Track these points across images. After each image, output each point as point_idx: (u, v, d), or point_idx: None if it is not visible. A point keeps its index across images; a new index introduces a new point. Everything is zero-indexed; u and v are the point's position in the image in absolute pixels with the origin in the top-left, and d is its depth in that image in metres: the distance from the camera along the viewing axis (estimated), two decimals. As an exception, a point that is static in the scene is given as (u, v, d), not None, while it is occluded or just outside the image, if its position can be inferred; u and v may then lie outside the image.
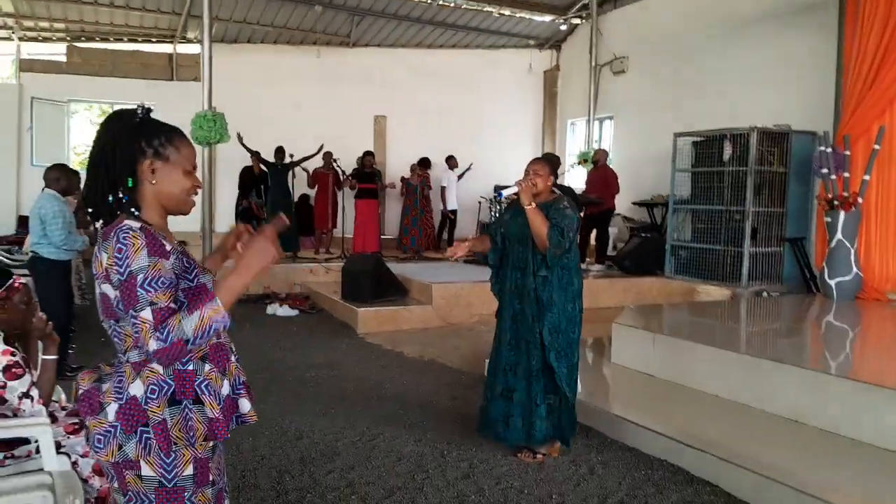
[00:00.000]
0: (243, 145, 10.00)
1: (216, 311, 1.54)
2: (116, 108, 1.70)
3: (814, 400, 3.87)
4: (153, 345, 1.50)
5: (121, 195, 1.62)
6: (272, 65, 12.49)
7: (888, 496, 3.07)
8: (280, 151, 10.25)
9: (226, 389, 1.70)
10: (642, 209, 10.52)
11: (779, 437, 3.74)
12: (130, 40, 12.71)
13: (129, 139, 1.63)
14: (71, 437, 2.70)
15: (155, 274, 1.53)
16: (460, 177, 12.00)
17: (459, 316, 7.51)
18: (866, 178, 6.77)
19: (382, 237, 11.12)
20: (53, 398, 2.89)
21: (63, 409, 2.96)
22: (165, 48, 12.75)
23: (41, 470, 2.43)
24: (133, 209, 1.62)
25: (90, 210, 1.65)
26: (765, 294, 7.49)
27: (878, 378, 3.84)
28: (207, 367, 1.66)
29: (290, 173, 9.99)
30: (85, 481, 2.58)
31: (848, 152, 6.85)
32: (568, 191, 3.98)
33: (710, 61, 9.73)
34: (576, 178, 11.50)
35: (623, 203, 10.28)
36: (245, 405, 1.75)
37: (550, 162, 3.84)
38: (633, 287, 8.58)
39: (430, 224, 11.70)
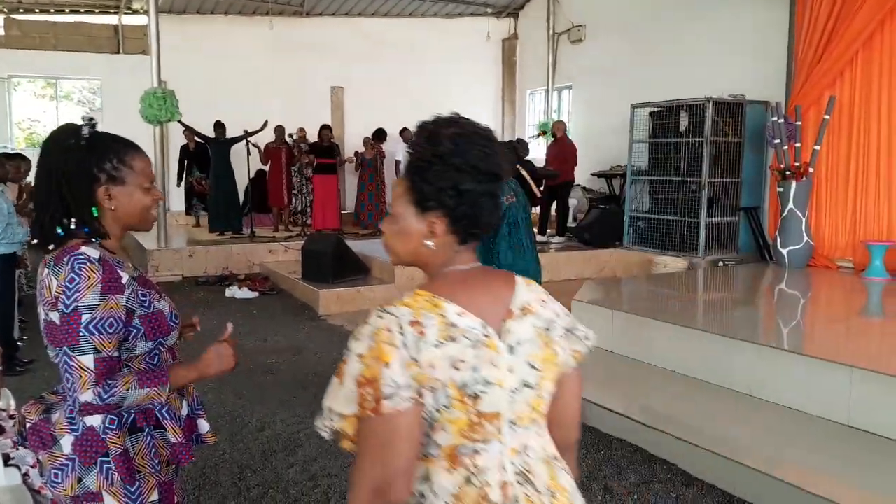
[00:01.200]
0: (185, 126, 9.75)
1: (160, 395, 1.54)
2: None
3: (767, 375, 3.98)
4: (87, 396, 1.45)
5: (77, 226, 1.54)
6: (223, 36, 12.08)
7: (840, 469, 3.19)
8: (220, 126, 10.00)
9: (185, 410, 1.68)
10: (601, 180, 10.59)
11: (734, 413, 3.84)
12: (72, 11, 12.14)
13: (80, 167, 1.54)
14: (20, 447, 2.63)
15: (104, 315, 1.47)
16: None
17: (422, 293, 7.50)
18: (817, 147, 6.91)
19: (342, 213, 11.00)
20: (2, 406, 2.80)
21: (11, 418, 2.86)
22: (110, 19, 12.22)
23: (-11, 485, 2.36)
24: (94, 238, 1.55)
25: (40, 235, 1.56)
26: (721, 263, 7.64)
27: (826, 352, 3.96)
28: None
29: (246, 149, 9.75)
30: (37, 492, 2.52)
31: (799, 122, 6.97)
32: (528, 165, 3.95)
33: (667, 31, 9.74)
34: (535, 150, 11.48)
35: (582, 174, 10.32)
36: (204, 425, 1.74)
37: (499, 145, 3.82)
38: (592, 259, 8.67)
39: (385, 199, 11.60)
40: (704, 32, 9.10)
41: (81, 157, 1.55)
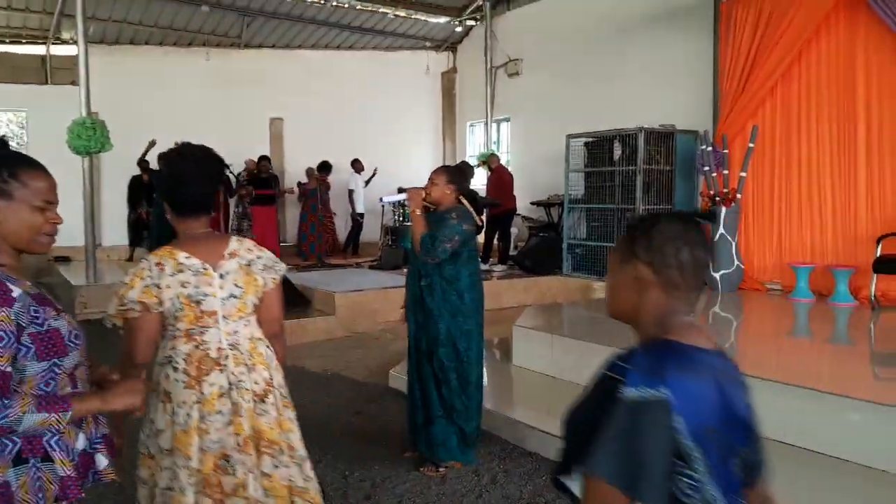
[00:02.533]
0: (146, 151, 9.55)
1: (59, 422, 1.46)
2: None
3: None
4: None
5: None
6: (158, 67, 11.87)
7: (774, 486, 3.23)
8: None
9: (81, 443, 1.57)
10: (541, 209, 10.75)
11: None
12: (-3, 41, 11.75)
13: None
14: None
15: None
16: (367, 182, 11.85)
17: (364, 324, 7.40)
18: (743, 174, 7.19)
19: (282, 244, 10.82)
20: None
21: None
22: (38, 50, 11.85)
23: None
24: None
25: None
26: (657, 288, 7.79)
27: (761, 369, 4.06)
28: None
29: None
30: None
31: (726, 150, 7.25)
32: (471, 194, 3.97)
33: (600, 64, 10.06)
34: (477, 181, 11.60)
35: (522, 203, 10.46)
36: (101, 461, 1.62)
37: (448, 171, 3.85)
38: (533, 286, 8.74)
39: (331, 229, 11.48)
40: (635, 65, 9.44)
41: None
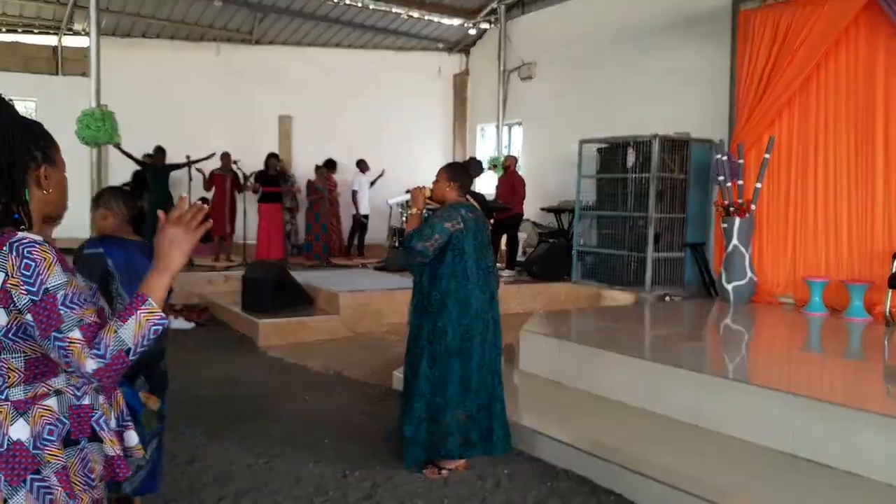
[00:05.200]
0: (126, 153, 9.34)
1: (152, 313, 1.37)
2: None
3: (713, 405, 3.93)
4: (91, 364, 1.30)
5: (11, 212, 1.39)
6: (168, 61, 11.81)
7: (785, 499, 3.13)
8: (160, 150, 9.69)
9: (113, 423, 1.53)
10: (550, 215, 10.65)
11: (681, 443, 3.76)
12: (9, 31, 11.73)
13: (23, 144, 1.41)
14: None
15: (75, 290, 1.35)
16: (373, 183, 11.79)
17: (368, 325, 7.30)
18: (758, 185, 7.07)
19: (294, 246, 10.76)
20: None
21: None
22: (49, 40, 11.83)
23: None
24: (23, 226, 1.40)
25: None
26: (667, 298, 7.69)
27: (769, 381, 3.95)
28: (101, 399, 1.50)
29: (188, 175, 9.47)
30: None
31: (742, 161, 7.14)
32: (479, 197, 3.90)
33: (615, 69, 9.97)
34: (486, 183, 11.52)
35: (532, 208, 10.36)
36: (132, 438, 1.58)
37: (450, 168, 3.80)
38: (541, 292, 8.63)
39: (336, 229, 11.41)
40: (650, 72, 9.33)
41: (23, 135, 1.42)
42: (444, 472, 3.61)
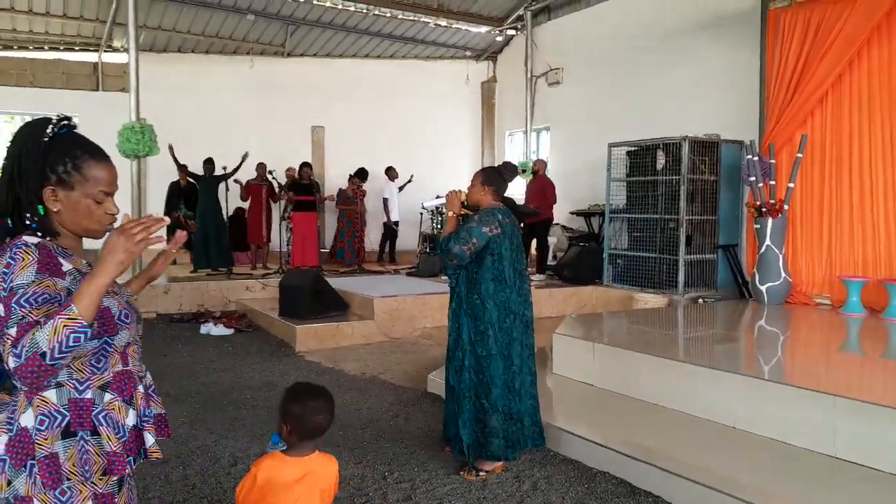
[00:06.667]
0: (174, 157, 9.66)
1: (72, 320, 1.36)
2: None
3: (750, 407, 3.93)
4: (10, 362, 1.37)
5: (27, 221, 1.51)
6: (204, 75, 12.15)
7: (823, 501, 3.13)
8: (209, 163, 9.96)
9: (131, 420, 1.58)
10: (580, 218, 10.66)
11: (719, 446, 3.78)
12: (51, 48, 12.14)
13: (34, 164, 1.51)
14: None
15: (36, 291, 1.42)
16: (401, 188, 11.92)
17: (402, 330, 7.40)
18: (791, 185, 7.01)
19: (322, 251, 10.93)
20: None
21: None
22: (90, 57, 12.22)
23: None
24: (42, 234, 1.51)
25: None
26: (700, 301, 7.66)
27: (808, 382, 3.93)
28: (108, 396, 1.55)
29: (225, 185, 9.72)
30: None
31: (773, 161, 7.09)
32: (508, 202, 3.97)
33: (643, 72, 9.96)
34: (515, 188, 11.57)
35: (561, 213, 10.39)
36: (149, 439, 1.63)
37: (485, 172, 3.87)
38: (572, 296, 8.65)
39: (361, 238, 11.57)
40: (679, 73, 9.32)
41: (37, 155, 1.52)
42: (481, 474, 3.67)
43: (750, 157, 7.19)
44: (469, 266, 3.62)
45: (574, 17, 11.55)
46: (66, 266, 1.50)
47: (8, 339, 1.38)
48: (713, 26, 8.85)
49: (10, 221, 1.51)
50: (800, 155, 6.96)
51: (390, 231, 11.93)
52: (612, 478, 3.62)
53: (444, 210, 3.78)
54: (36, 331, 1.36)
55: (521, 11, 11.99)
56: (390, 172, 11.82)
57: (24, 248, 1.46)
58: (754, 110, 7.87)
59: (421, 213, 11.53)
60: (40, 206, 1.52)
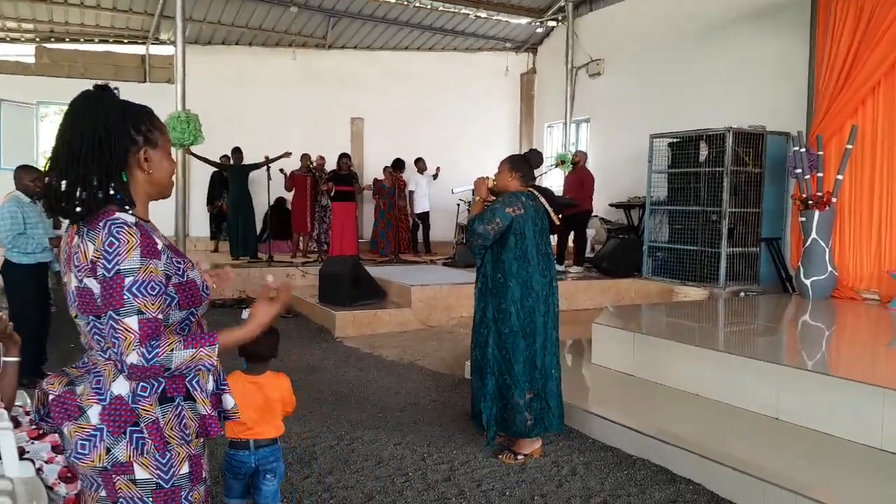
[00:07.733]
0: (200, 157, 9.76)
1: (209, 356, 1.51)
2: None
3: (792, 397, 3.87)
4: (133, 358, 1.42)
5: (112, 192, 1.50)
6: (247, 66, 12.34)
7: (867, 492, 3.07)
8: (237, 151, 10.13)
9: (211, 385, 1.63)
10: (619, 211, 10.55)
11: (761, 436, 3.73)
12: (101, 41, 12.47)
13: (120, 129, 1.51)
14: (35, 442, 2.59)
15: (146, 278, 1.45)
16: (435, 176, 11.89)
17: (439, 318, 7.45)
18: (839, 177, 6.84)
19: (360, 240, 11.03)
20: (18, 402, 2.77)
21: (27, 413, 2.83)
22: (138, 49, 12.51)
23: (2, 476, 2.32)
24: (127, 206, 1.52)
25: (64, 208, 1.48)
26: (742, 294, 7.53)
27: (855, 374, 3.85)
28: None
29: (267, 175, 9.85)
30: (50, 488, 2.47)
31: (821, 152, 6.92)
32: (546, 193, 3.97)
33: (685, 63, 9.80)
34: (553, 180, 11.50)
35: (600, 205, 10.29)
36: (229, 401, 1.68)
37: (512, 159, 3.94)
38: (611, 288, 8.59)
39: (405, 227, 11.63)
40: (723, 63, 9.14)
41: (122, 120, 1.52)
42: (520, 457, 3.69)
43: (797, 148, 7.03)
44: (494, 246, 3.70)
45: (616, 8, 11.40)
46: (160, 244, 1.52)
47: (128, 331, 1.41)
48: (758, 15, 8.65)
49: (79, 200, 1.47)
50: (850, 146, 6.78)
51: (415, 224, 11.95)
52: (652, 465, 3.61)
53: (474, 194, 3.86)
54: (176, 349, 1.45)
55: (562, 2, 11.87)
56: (419, 164, 11.83)
57: (126, 227, 1.45)
58: (801, 101, 7.69)
59: (458, 205, 11.53)
60: (122, 174, 1.52)
